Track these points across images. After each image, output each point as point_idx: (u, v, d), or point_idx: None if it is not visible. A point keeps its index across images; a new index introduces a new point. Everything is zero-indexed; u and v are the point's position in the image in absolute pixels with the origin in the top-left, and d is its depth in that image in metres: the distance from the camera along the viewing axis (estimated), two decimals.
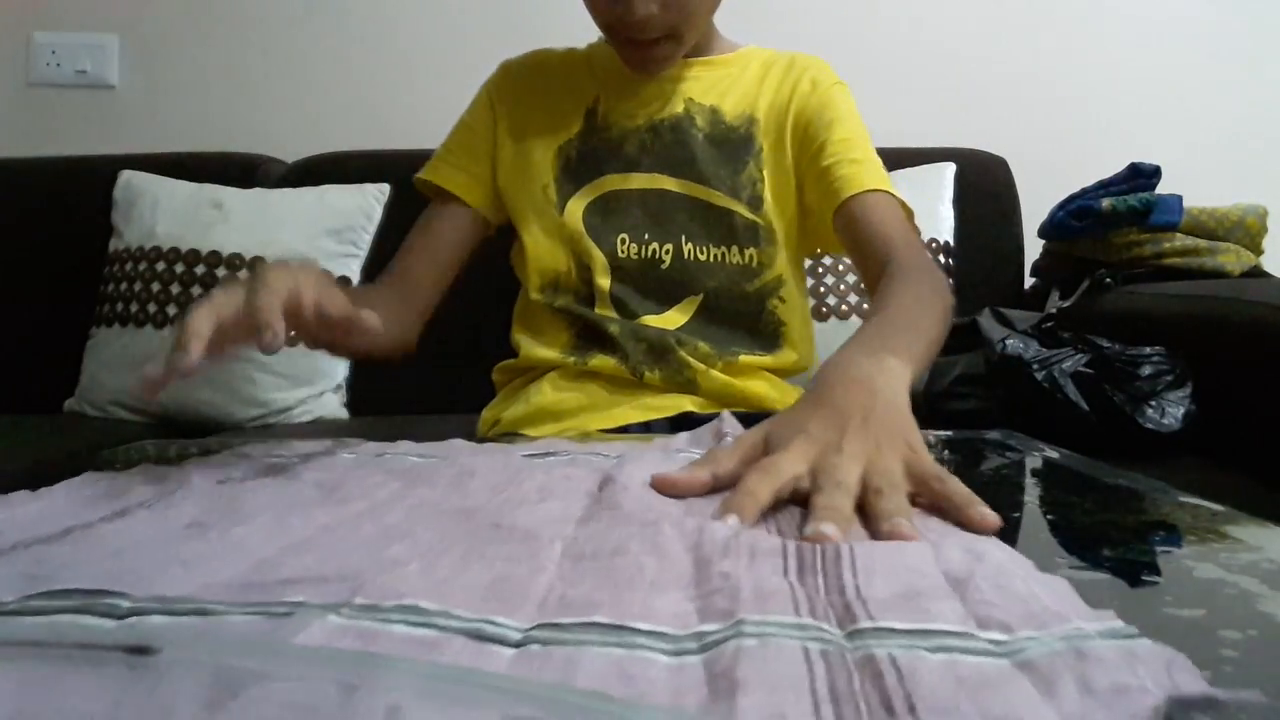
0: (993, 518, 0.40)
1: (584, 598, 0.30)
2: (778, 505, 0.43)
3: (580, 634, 0.27)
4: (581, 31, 0.95)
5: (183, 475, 0.51)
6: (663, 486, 0.46)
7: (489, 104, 0.97)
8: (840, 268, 1.55)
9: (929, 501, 0.44)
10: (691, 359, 0.86)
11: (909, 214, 0.88)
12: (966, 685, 0.24)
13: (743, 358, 0.88)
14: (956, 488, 0.43)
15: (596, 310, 0.89)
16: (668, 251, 0.89)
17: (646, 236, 0.89)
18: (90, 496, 0.47)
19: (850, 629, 0.27)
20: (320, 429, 1.46)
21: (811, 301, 1.54)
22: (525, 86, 0.96)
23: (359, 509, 0.44)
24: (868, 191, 0.85)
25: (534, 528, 0.39)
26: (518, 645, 0.27)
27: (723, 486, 0.46)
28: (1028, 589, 0.30)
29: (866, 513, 0.42)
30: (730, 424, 0.61)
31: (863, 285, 0.85)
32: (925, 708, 0.22)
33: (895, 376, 0.54)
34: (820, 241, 0.95)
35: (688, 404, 0.86)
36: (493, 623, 0.28)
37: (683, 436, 0.63)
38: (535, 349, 0.90)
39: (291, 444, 0.65)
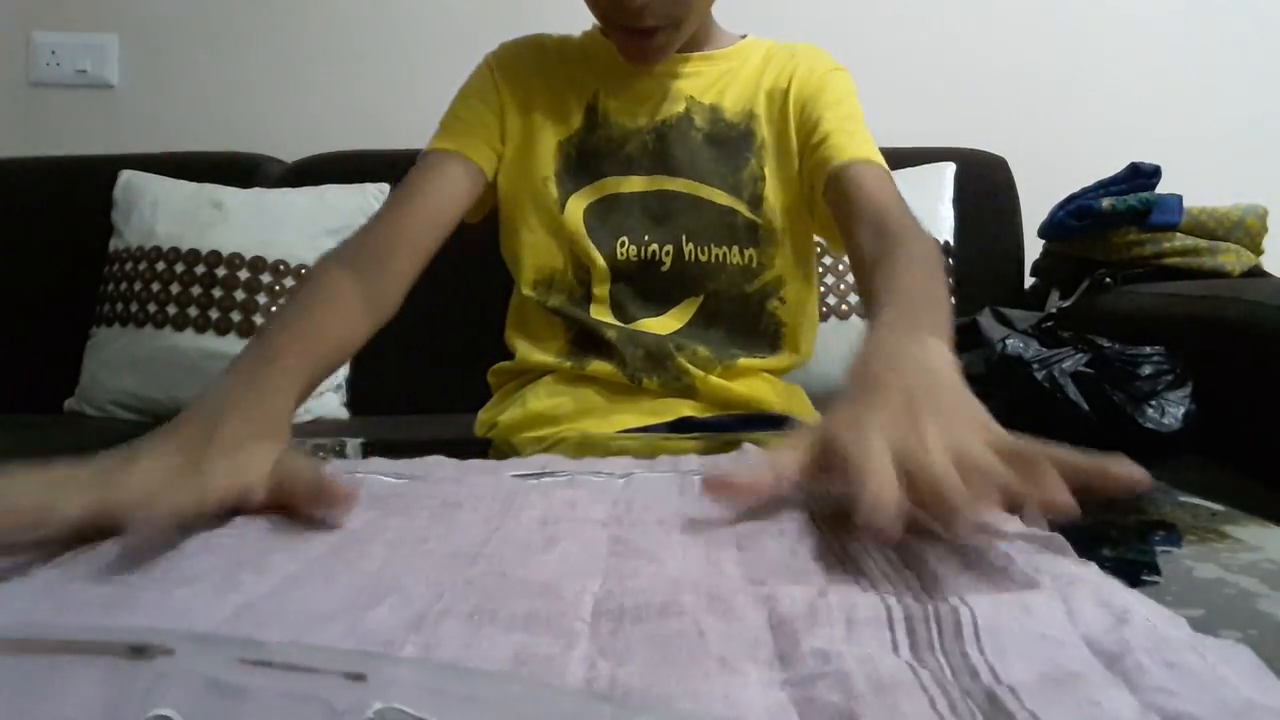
0: (1139, 470, 0.35)
1: (640, 682, 0.24)
2: (847, 548, 0.36)
3: None
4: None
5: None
6: (716, 488, 0.40)
7: (492, 79, 0.92)
8: (840, 268, 1.55)
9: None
10: (690, 365, 0.85)
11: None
12: None
13: (741, 361, 0.87)
14: (1067, 453, 0.36)
15: (592, 313, 0.87)
16: (668, 253, 0.88)
17: (646, 238, 0.88)
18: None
19: None
20: (320, 429, 1.46)
21: (816, 305, 1.54)
22: (526, 69, 0.93)
23: (326, 547, 0.37)
24: (858, 160, 0.82)
25: (551, 581, 0.32)
26: None
27: (781, 491, 0.41)
28: (1206, 666, 0.24)
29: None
30: (754, 455, 0.54)
31: (849, 255, 0.80)
32: None
33: (943, 357, 0.49)
34: (822, 228, 0.92)
35: (686, 409, 0.85)
36: None
37: (694, 459, 0.55)
38: (531, 352, 0.89)
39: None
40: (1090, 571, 0.31)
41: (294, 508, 0.43)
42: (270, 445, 0.47)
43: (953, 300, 0.70)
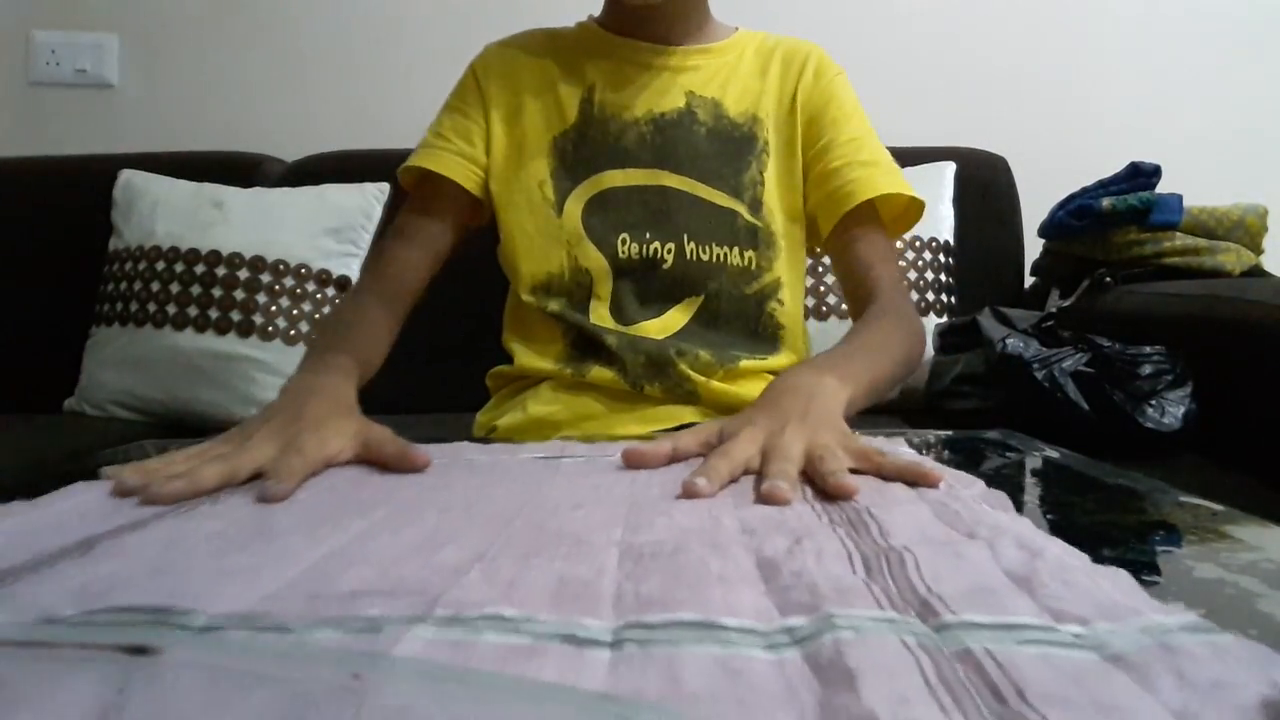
0: (937, 474, 0.48)
1: (660, 595, 0.31)
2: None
3: (672, 633, 0.28)
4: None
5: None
6: (631, 458, 0.54)
7: (476, 88, 0.92)
8: None
9: (874, 472, 0.51)
10: (691, 371, 0.84)
11: (919, 208, 0.91)
12: (1067, 676, 0.24)
13: (743, 362, 0.87)
14: (896, 459, 0.51)
15: (592, 317, 0.87)
16: (669, 251, 0.87)
17: (648, 235, 0.87)
18: (91, 506, 0.46)
19: (934, 623, 0.28)
20: None
21: (811, 301, 1.54)
22: (514, 70, 0.93)
23: (387, 511, 0.44)
24: (867, 214, 0.88)
25: (581, 532, 0.39)
26: (612, 647, 0.27)
27: (679, 460, 0.55)
28: (1091, 581, 0.31)
29: (813, 478, 0.49)
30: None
31: (849, 307, 0.90)
32: (1035, 696, 0.23)
33: (831, 392, 0.61)
34: (818, 241, 0.95)
35: (687, 415, 0.85)
36: (581, 625, 0.28)
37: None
38: (529, 357, 0.89)
39: None
40: (1020, 524, 0.39)
41: (382, 464, 0.56)
42: (347, 421, 0.60)
43: (913, 364, 0.84)
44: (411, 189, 0.92)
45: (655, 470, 0.54)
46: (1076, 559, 0.34)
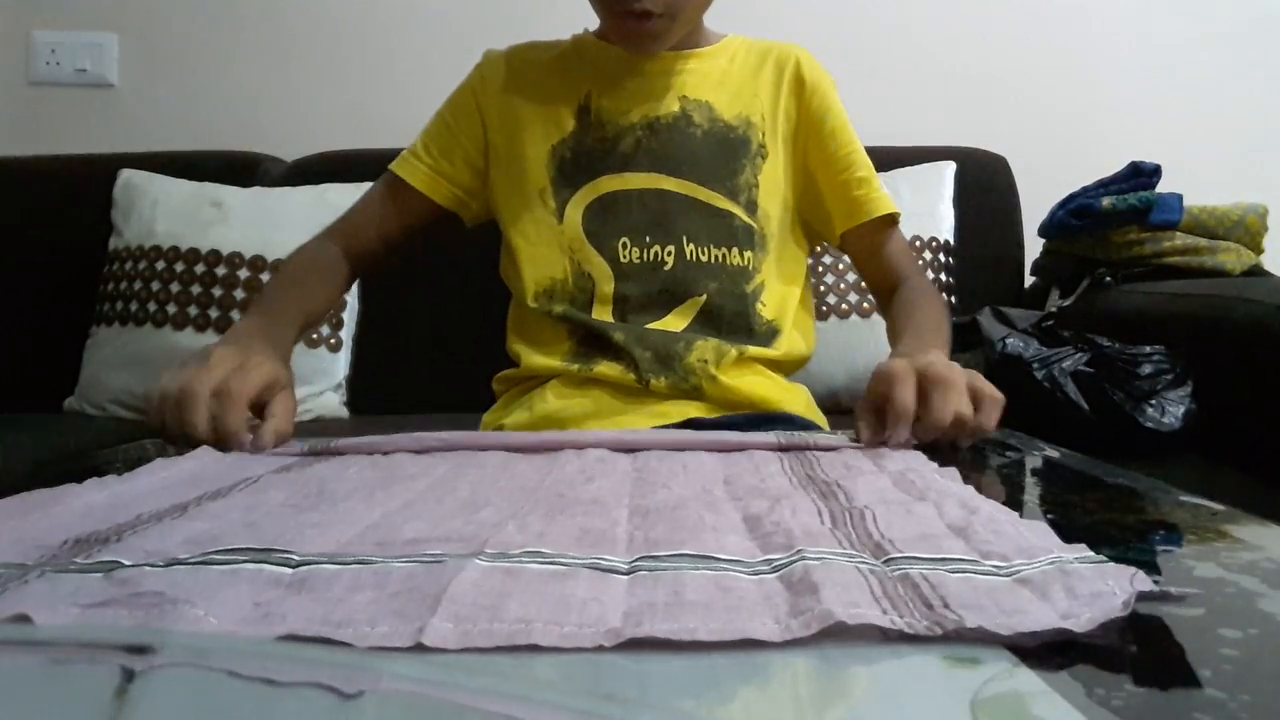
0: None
1: (664, 538, 0.38)
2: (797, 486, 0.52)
3: (675, 562, 0.35)
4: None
5: (241, 465, 0.56)
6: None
7: (474, 102, 0.95)
8: (840, 267, 1.55)
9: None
10: (698, 364, 0.85)
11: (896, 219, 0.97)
12: (981, 590, 0.31)
13: (750, 350, 0.88)
14: (986, 418, 0.63)
15: (596, 316, 0.88)
16: (670, 253, 0.88)
17: (648, 239, 0.88)
18: (166, 484, 0.51)
19: (884, 558, 0.35)
20: (320, 428, 1.46)
21: (812, 301, 1.54)
22: (513, 80, 0.95)
23: (424, 486, 0.50)
24: (888, 221, 0.95)
25: (597, 497, 0.46)
26: (629, 573, 0.34)
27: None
28: (1016, 531, 0.38)
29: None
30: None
31: (870, 295, 1.04)
32: (956, 604, 0.30)
33: (942, 355, 0.70)
34: (814, 242, 1.00)
35: (693, 410, 0.85)
36: (603, 559, 0.35)
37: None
38: (535, 357, 0.89)
39: (291, 442, 0.65)
40: (965, 490, 0.46)
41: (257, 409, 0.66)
42: (282, 365, 0.72)
43: (950, 316, 0.96)
44: (390, 179, 0.97)
45: (654, 452, 0.60)
46: (1006, 515, 0.41)
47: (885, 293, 0.97)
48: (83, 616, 0.29)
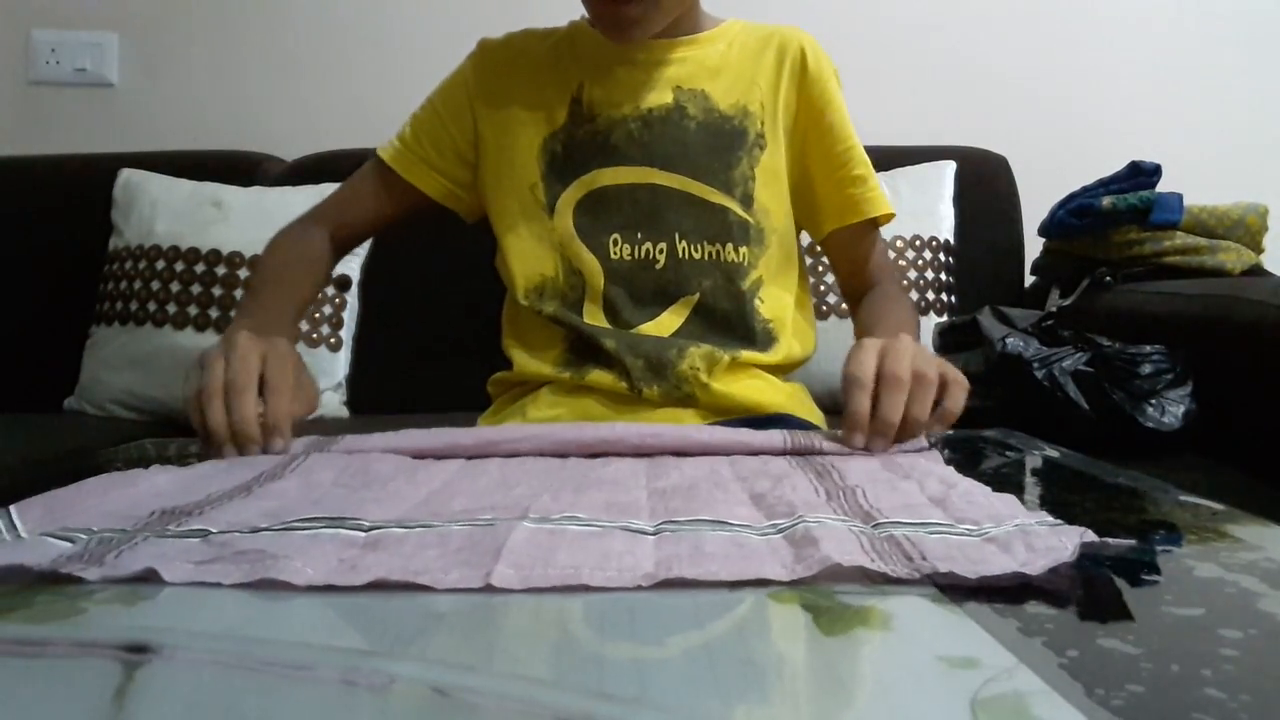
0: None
1: (682, 509, 0.44)
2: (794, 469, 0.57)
3: (694, 525, 0.41)
4: None
5: (277, 458, 0.60)
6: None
7: (464, 93, 0.93)
8: None
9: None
10: (690, 372, 0.84)
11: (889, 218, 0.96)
12: (953, 546, 0.37)
13: (744, 354, 0.86)
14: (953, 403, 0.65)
15: (587, 319, 0.86)
16: (661, 250, 0.87)
17: (639, 236, 0.87)
18: (218, 470, 0.55)
19: (872, 523, 0.42)
20: (320, 428, 1.46)
21: (812, 300, 1.53)
22: (505, 71, 0.93)
23: (454, 469, 0.55)
24: (876, 230, 0.96)
25: (616, 477, 0.52)
26: (655, 534, 0.40)
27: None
28: (987, 501, 0.44)
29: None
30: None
31: (842, 292, 1.04)
32: (931, 556, 0.36)
33: (909, 339, 0.69)
34: (816, 235, 0.97)
35: (687, 418, 0.84)
36: (632, 522, 0.41)
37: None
38: (529, 362, 0.88)
39: (296, 441, 0.65)
40: (946, 470, 0.52)
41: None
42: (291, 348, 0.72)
43: (918, 318, 1.03)
44: (380, 167, 0.97)
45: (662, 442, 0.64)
46: (980, 490, 0.47)
47: (857, 295, 0.97)
48: (197, 572, 0.34)
